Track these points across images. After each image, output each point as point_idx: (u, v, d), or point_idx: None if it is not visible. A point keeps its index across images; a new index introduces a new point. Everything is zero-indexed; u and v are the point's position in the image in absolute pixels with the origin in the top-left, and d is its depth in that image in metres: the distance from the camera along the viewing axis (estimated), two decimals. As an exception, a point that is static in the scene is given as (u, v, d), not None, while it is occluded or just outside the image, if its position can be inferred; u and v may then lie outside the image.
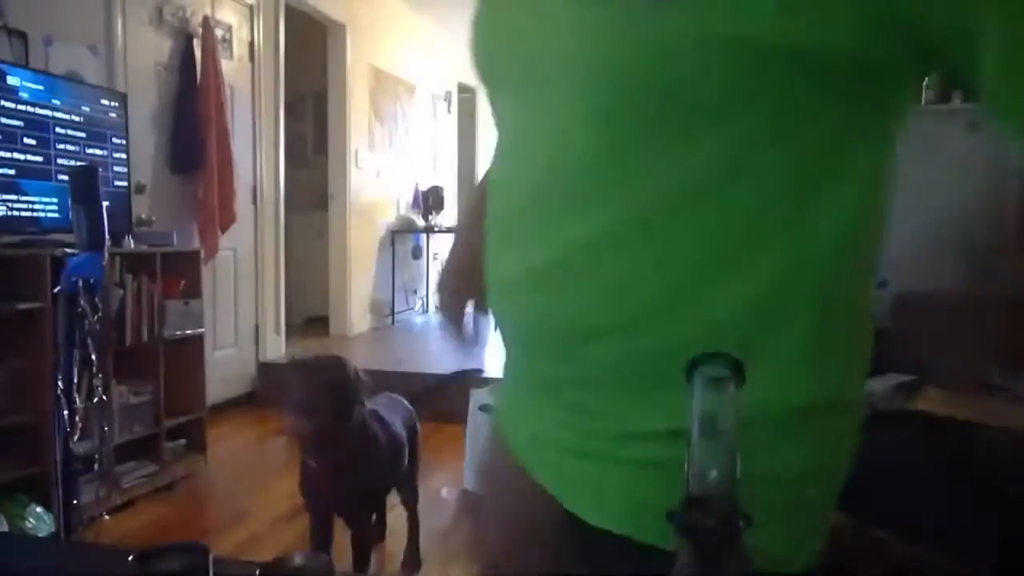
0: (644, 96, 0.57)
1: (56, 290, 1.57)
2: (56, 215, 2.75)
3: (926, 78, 3.08)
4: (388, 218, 6.37)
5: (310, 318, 6.05)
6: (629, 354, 0.62)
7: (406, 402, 2.43)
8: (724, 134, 0.57)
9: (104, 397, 1.70)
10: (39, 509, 2.49)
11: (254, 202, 4.59)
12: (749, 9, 0.53)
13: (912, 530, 1.29)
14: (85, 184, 1.59)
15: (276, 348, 4.85)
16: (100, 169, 1.76)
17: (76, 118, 2.86)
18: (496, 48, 0.72)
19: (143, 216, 3.53)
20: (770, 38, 0.53)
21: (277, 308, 4.89)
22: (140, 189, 3.56)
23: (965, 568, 1.23)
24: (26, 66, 2.87)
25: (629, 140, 0.59)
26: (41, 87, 2.72)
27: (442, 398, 3.80)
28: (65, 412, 1.53)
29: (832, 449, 0.65)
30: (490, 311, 0.79)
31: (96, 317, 1.56)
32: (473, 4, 0.78)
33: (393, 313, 6.34)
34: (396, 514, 2.53)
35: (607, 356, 0.63)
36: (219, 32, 4.15)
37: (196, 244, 3.80)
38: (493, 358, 4.60)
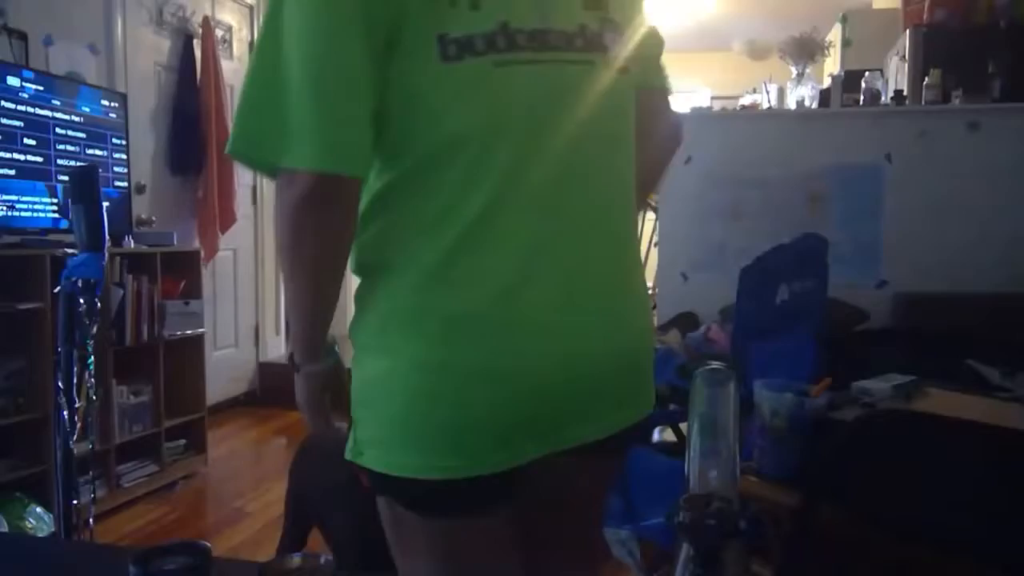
0: None
1: (56, 290, 1.58)
2: (56, 215, 2.75)
3: (926, 77, 3.06)
4: (388, 218, 6.36)
5: (310, 318, 6.04)
6: None
7: None
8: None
9: (94, 397, 1.70)
10: (39, 509, 2.48)
11: (254, 202, 4.59)
12: None
13: (912, 530, 1.29)
14: (85, 184, 1.59)
15: (276, 348, 4.85)
16: (100, 169, 1.76)
17: (76, 118, 2.86)
18: None
19: (143, 216, 3.53)
20: None
21: (277, 308, 4.89)
22: (140, 189, 3.56)
23: (964, 567, 1.23)
24: (26, 66, 2.87)
25: None
26: (41, 87, 2.72)
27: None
28: (65, 412, 1.53)
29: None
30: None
31: (96, 317, 1.56)
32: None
33: (393, 313, 6.33)
34: None
35: None
36: (219, 32, 4.15)
37: (196, 244, 3.80)
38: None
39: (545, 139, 0.84)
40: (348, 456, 0.87)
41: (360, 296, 0.88)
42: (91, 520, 1.81)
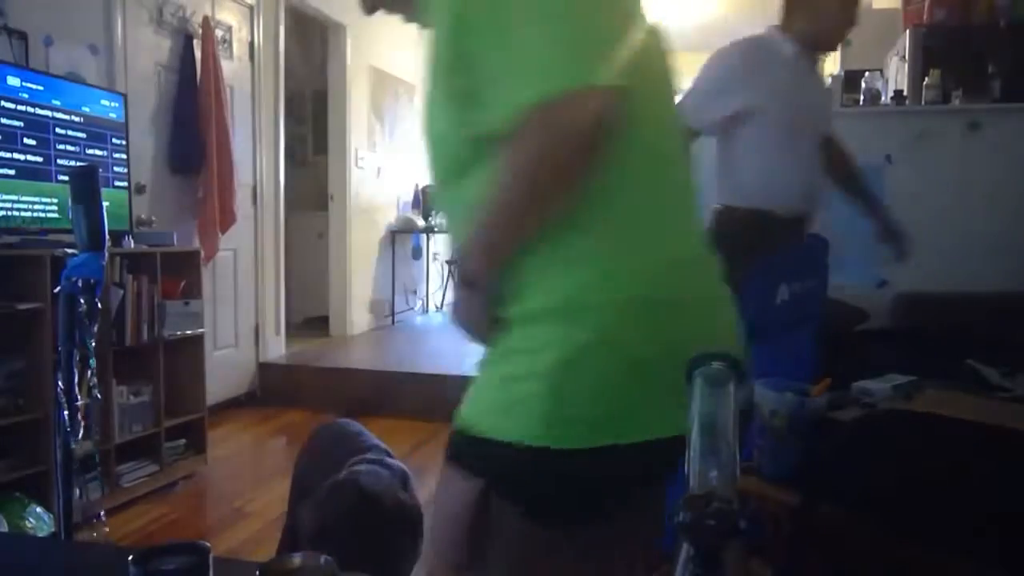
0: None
1: (56, 290, 1.57)
2: (56, 215, 2.75)
3: (926, 77, 3.04)
4: (388, 218, 6.37)
5: (310, 318, 6.04)
6: None
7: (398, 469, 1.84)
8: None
9: (99, 395, 1.70)
10: (39, 509, 2.48)
11: (254, 202, 4.59)
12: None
13: (912, 530, 1.29)
14: (85, 184, 1.58)
15: (276, 348, 4.85)
16: (100, 169, 1.76)
17: (76, 118, 2.86)
18: None
19: (143, 216, 3.53)
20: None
21: (277, 308, 4.89)
22: (140, 189, 3.56)
23: (964, 567, 1.23)
24: (26, 66, 2.87)
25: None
26: (41, 87, 2.72)
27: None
28: (65, 412, 1.53)
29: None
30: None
31: (96, 317, 1.56)
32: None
33: (393, 313, 6.33)
34: None
35: None
36: (219, 32, 4.15)
37: (196, 244, 3.80)
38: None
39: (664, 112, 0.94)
40: (543, 442, 0.80)
41: (537, 266, 0.83)
42: (103, 515, 1.82)
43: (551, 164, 0.77)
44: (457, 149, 0.87)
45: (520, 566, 0.85)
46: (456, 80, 0.83)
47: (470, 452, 0.87)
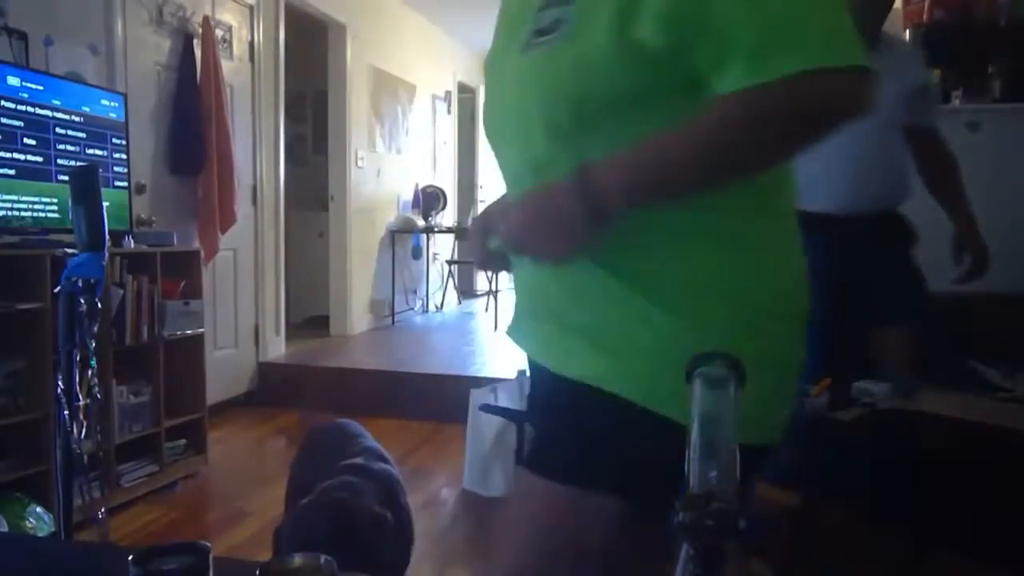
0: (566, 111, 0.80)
1: (56, 290, 1.58)
2: (56, 215, 2.75)
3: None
4: (388, 218, 6.37)
5: (310, 318, 6.05)
6: None
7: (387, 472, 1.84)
8: (623, 127, 0.78)
9: (99, 395, 1.70)
10: (39, 509, 2.48)
11: (254, 202, 4.59)
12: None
13: (913, 530, 1.29)
14: (85, 184, 1.59)
15: (276, 348, 4.85)
16: (100, 169, 1.76)
17: (76, 118, 2.86)
18: (485, 114, 0.97)
19: (143, 216, 3.53)
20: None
21: (277, 308, 4.89)
22: (140, 189, 3.56)
23: (964, 567, 1.23)
24: (26, 66, 2.87)
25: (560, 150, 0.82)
26: (41, 87, 2.72)
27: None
28: (65, 412, 1.53)
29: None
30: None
31: (96, 317, 1.56)
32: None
33: (393, 313, 6.34)
34: None
35: None
36: (219, 32, 4.15)
37: (196, 244, 3.80)
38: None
39: None
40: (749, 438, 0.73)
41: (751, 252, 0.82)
42: (103, 513, 1.82)
43: (793, 130, 0.74)
44: (621, 87, 0.77)
45: None
46: (649, 27, 0.75)
47: (605, 459, 0.78)
